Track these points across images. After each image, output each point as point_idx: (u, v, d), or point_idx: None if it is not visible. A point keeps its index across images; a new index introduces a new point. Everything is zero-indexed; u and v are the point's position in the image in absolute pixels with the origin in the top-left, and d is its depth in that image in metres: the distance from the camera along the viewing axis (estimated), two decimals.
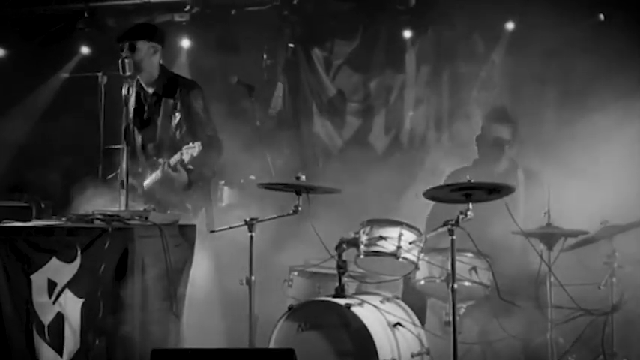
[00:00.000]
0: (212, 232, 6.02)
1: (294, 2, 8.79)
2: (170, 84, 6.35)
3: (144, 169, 6.36)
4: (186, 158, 5.86)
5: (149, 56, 6.31)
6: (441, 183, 6.32)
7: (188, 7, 9.07)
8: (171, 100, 6.29)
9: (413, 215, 6.66)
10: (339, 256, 5.69)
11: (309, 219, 5.63)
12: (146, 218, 5.38)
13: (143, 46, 6.27)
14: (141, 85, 6.39)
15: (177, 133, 6.26)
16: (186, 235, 5.55)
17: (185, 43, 9.13)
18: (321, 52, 9.10)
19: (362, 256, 5.68)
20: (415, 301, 5.97)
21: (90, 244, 5.22)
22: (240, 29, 8.91)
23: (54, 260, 5.28)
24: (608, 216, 5.80)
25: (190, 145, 5.85)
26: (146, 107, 6.41)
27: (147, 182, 6.29)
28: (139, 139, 6.41)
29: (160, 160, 6.15)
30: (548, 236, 5.75)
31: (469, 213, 5.19)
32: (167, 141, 6.28)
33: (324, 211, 6.12)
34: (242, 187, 8.20)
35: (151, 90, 6.39)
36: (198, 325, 6.07)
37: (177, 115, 6.27)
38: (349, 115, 9.05)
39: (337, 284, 5.67)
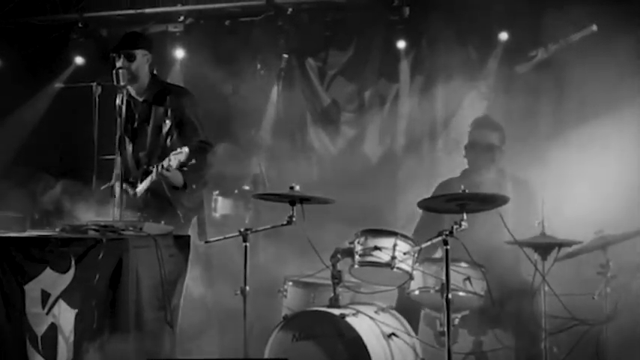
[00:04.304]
0: (207, 242, 6.02)
1: (288, 12, 8.81)
2: (160, 92, 6.35)
3: (135, 178, 6.35)
4: (173, 164, 5.86)
5: (143, 64, 6.33)
6: (431, 195, 6.32)
7: (182, 18, 9.11)
8: (162, 108, 6.28)
9: (407, 225, 6.68)
10: (334, 266, 5.69)
11: (304, 229, 5.63)
12: (140, 229, 5.37)
13: (139, 55, 6.29)
14: (130, 94, 6.38)
15: (168, 140, 6.25)
16: (180, 245, 5.54)
17: (179, 53, 9.15)
18: (315, 62, 9.12)
19: (356, 267, 5.68)
20: (409, 311, 5.95)
21: (84, 255, 5.20)
22: (234, 39, 8.94)
23: (48, 271, 5.26)
24: (603, 226, 5.80)
25: (178, 150, 5.86)
26: (137, 116, 6.40)
27: (139, 189, 6.28)
28: (129, 148, 6.40)
29: (151, 168, 6.14)
30: (543, 246, 5.74)
31: (463, 223, 5.19)
32: (158, 149, 6.27)
33: (318, 221, 6.11)
34: (236, 198, 8.20)
35: (141, 98, 6.39)
36: (193, 335, 6.07)
37: (168, 123, 6.26)
38: (343, 124, 9.07)
39: (332, 294, 5.67)
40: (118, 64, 6.21)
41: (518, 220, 5.83)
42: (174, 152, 5.87)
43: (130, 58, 6.25)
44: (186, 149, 5.83)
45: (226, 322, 6.58)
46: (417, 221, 6.64)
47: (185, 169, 6.05)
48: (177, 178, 6.06)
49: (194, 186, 6.24)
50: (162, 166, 5.94)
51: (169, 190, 6.18)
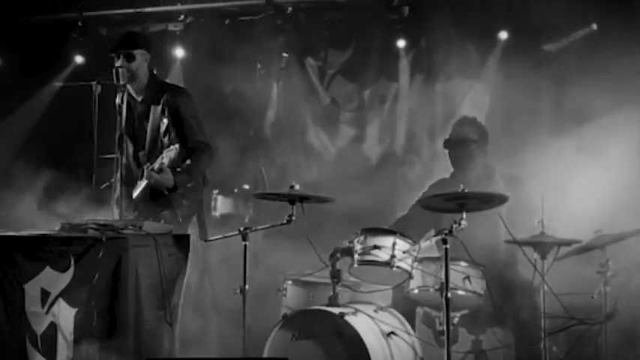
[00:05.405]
0: (206, 241, 6.01)
1: (288, 12, 8.82)
2: (158, 91, 6.35)
3: (136, 177, 6.35)
4: (165, 161, 5.87)
5: (142, 64, 6.33)
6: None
7: (182, 17, 9.11)
8: (159, 107, 6.29)
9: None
10: (333, 265, 5.69)
11: (303, 228, 5.63)
12: (140, 227, 5.37)
13: (138, 55, 6.29)
14: (130, 93, 6.39)
15: (166, 139, 6.26)
16: (180, 244, 5.54)
17: (179, 52, 9.16)
18: (315, 61, 9.12)
19: (355, 266, 5.67)
20: (404, 310, 5.95)
21: (83, 254, 5.20)
22: (234, 39, 8.93)
23: (47, 270, 5.26)
24: (602, 225, 5.80)
25: (170, 147, 5.87)
26: (136, 115, 6.41)
27: (135, 194, 6.28)
28: (130, 147, 6.40)
29: (145, 166, 6.16)
30: (542, 245, 5.74)
31: (463, 222, 5.19)
32: (156, 148, 6.27)
33: (317, 220, 6.11)
34: (236, 197, 8.21)
35: (140, 98, 6.39)
36: (192, 334, 6.07)
37: (165, 122, 6.26)
38: (343, 124, 9.08)
39: (331, 293, 5.67)
40: (118, 64, 6.21)
41: (510, 218, 5.82)
42: (166, 149, 5.89)
43: (130, 59, 6.25)
44: (177, 146, 5.85)
45: (225, 321, 6.59)
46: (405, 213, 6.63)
47: (178, 169, 6.05)
48: (168, 180, 6.04)
49: (189, 185, 6.23)
50: (153, 168, 5.95)
51: (167, 190, 6.17)
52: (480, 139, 6.51)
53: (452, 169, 6.65)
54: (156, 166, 5.95)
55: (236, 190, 8.25)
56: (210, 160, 6.34)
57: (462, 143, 6.49)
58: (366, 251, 5.62)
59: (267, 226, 5.81)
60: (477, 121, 6.69)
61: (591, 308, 5.70)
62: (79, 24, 9.24)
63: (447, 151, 6.64)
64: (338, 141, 9.04)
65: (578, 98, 7.48)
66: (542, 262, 5.71)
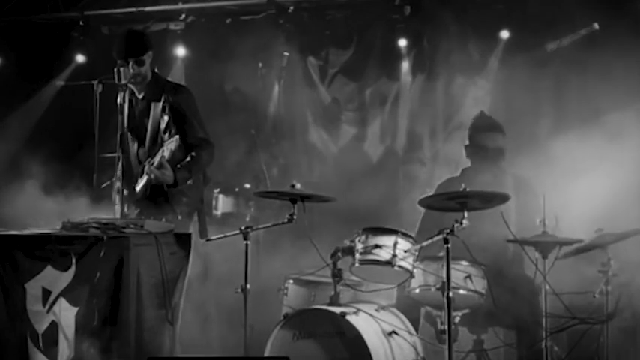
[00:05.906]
0: (208, 240, 6.01)
1: (289, 11, 8.82)
2: (159, 88, 6.33)
3: (137, 175, 6.35)
4: (166, 154, 5.86)
5: (148, 64, 6.32)
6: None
7: (183, 16, 9.12)
8: (160, 105, 6.28)
9: (408, 224, 6.66)
10: (335, 264, 5.69)
11: (305, 227, 5.63)
12: (141, 226, 5.37)
13: (147, 58, 6.28)
14: (132, 91, 6.38)
15: (166, 136, 6.24)
16: (181, 243, 5.54)
17: (180, 51, 9.17)
18: (316, 60, 9.13)
19: (357, 265, 5.67)
20: (409, 309, 5.95)
21: (85, 253, 5.21)
22: (235, 38, 8.94)
23: (49, 269, 5.26)
24: (603, 224, 5.80)
25: (170, 140, 5.86)
26: (136, 112, 6.40)
27: (138, 188, 6.27)
28: (134, 146, 6.40)
29: (146, 162, 6.15)
30: (543, 244, 5.74)
31: (464, 221, 5.18)
32: (157, 145, 6.26)
33: (319, 219, 6.10)
34: (237, 196, 8.21)
35: (141, 95, 6.38)
36: (194, 333, 6.07)
37: (166, 119, 6.25)
38: (344, 123, 9.09)
39: (332, 292, 5.67)
40: (127, 70, 6.11)
41: (520, 218, 5.82)
42: (166, 142, 5.89)
43: (140, 64, 6.22)
44: (177, 137, 5.84)
45: (227, 321, 6.59)
46: (419, 224, 6.60)
47: (178, 166, 6.04)
48: (168, 177, 6.03)
49: (190, 182, 6.22)
50: (153, 164, 5.94)
51: (167, 186, 6.17)
52: (504, 145, 6.44)
53: (454, 167, 6.64)
54: (156, 161, 5.95)
55: (237, 189, 8.25)
56: (211, 158, 6.32)
57: (499, 153, 6.32)
58: (367, 250, 5.62)
59: (269, 225, 5.82)
60: (502, 126, 6.55)
61: (593, 307, 5.69)
62: (80, 23, 9.25)
63: (465, 151, 6.56)
64: (339, 140, 9.05)
65: (579, 98, 7.49)
66: (543, 261, 5.71)
